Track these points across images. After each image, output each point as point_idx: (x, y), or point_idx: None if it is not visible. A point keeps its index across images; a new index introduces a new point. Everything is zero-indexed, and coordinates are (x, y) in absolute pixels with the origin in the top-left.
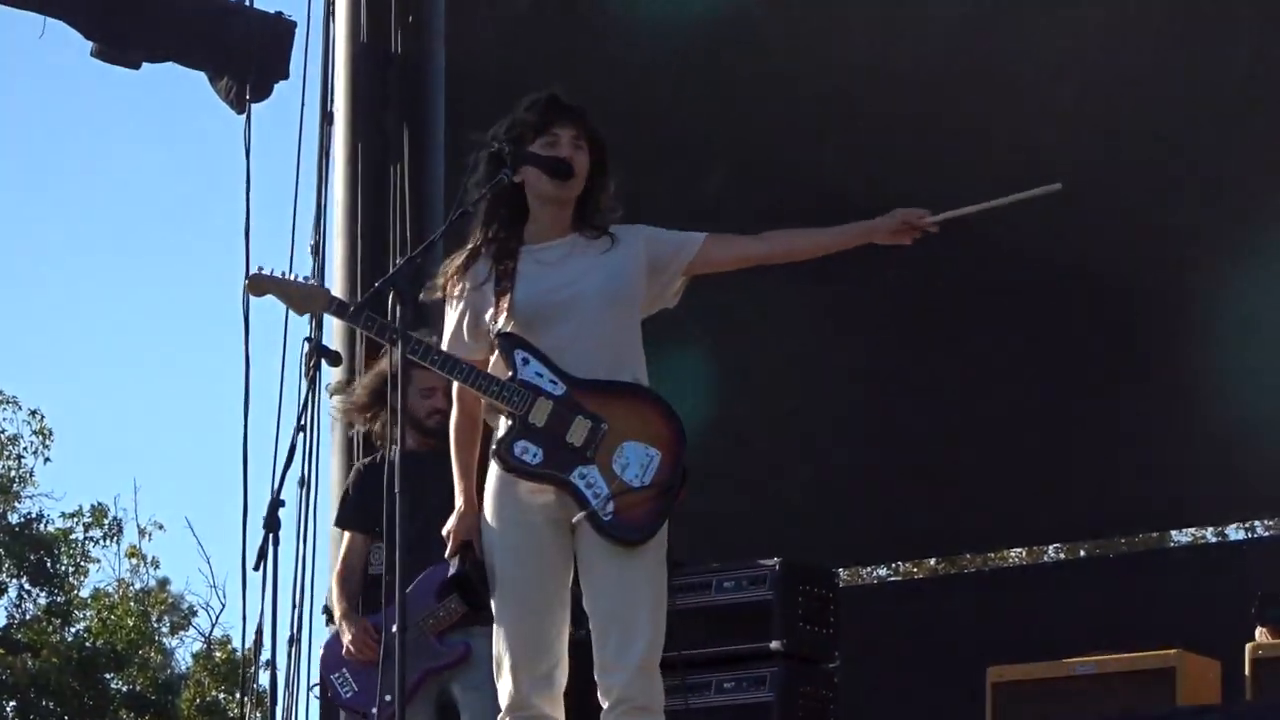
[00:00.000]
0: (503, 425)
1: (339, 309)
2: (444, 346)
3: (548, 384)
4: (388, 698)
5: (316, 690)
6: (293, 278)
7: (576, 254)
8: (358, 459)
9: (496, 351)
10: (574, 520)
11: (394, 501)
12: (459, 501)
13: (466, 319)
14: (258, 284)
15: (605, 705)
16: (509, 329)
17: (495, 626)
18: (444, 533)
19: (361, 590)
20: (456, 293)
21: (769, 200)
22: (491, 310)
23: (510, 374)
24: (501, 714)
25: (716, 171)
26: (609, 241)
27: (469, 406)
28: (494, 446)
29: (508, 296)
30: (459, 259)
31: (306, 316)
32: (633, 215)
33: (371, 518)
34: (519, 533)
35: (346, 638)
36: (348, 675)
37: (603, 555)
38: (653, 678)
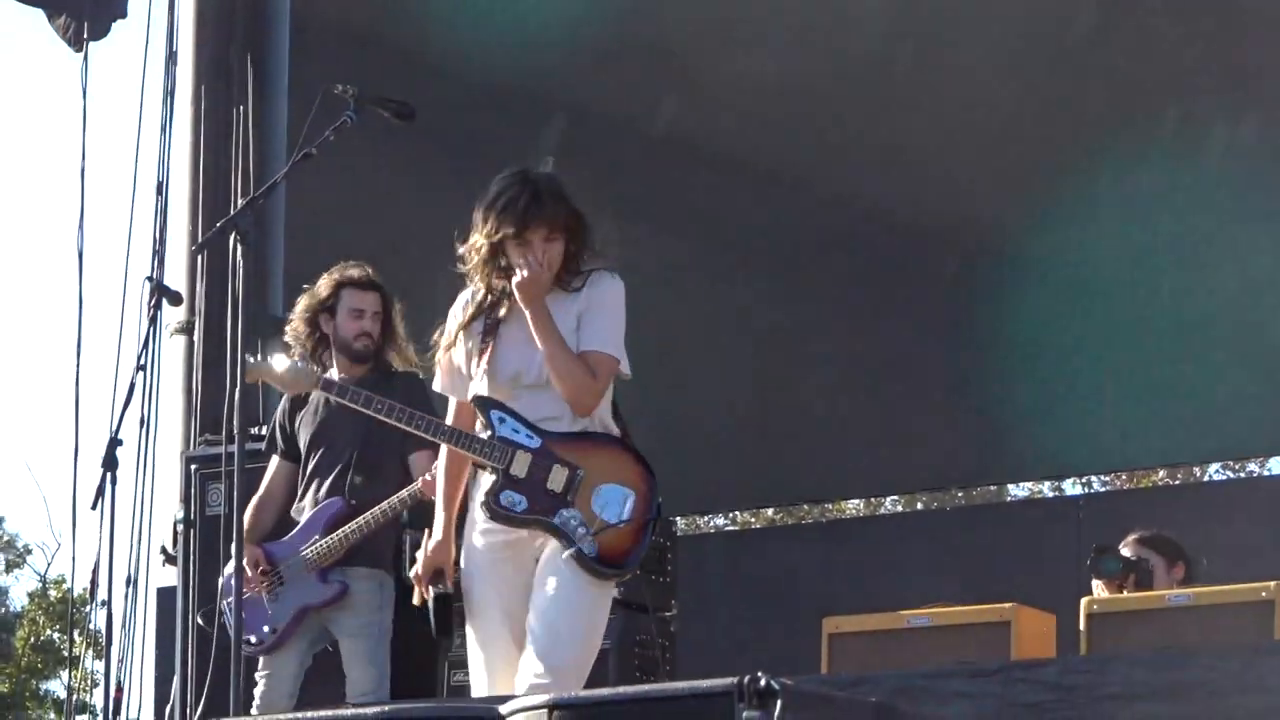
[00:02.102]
0: (487, 480)
1: (326, 385)
2: (444, 384)
3: (524, 438)
4: (251, 638)
5: (212, 616)
6: (285, 364)
7: (553, 315)
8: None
9: (475, 411)
10: (563, 556)
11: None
12: (437, 531)
13: (460, 365)
14: (252, 373)
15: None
16: (484, 390)
17: (471, 645)
18: (417, 557)
19: (279, 517)
20: (453, 353)
21: (604, 150)
22: (475, 363)
23: (490, 433)
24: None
25: (556, 121)
26: (578, 295)
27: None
28: (482, 499)
29: (486, 357)
30: (457, 323)
31: (150, 255)
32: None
33: (293, 445)
34: (497, 567)
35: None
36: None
37: (565, 573)
38: (570, 651)
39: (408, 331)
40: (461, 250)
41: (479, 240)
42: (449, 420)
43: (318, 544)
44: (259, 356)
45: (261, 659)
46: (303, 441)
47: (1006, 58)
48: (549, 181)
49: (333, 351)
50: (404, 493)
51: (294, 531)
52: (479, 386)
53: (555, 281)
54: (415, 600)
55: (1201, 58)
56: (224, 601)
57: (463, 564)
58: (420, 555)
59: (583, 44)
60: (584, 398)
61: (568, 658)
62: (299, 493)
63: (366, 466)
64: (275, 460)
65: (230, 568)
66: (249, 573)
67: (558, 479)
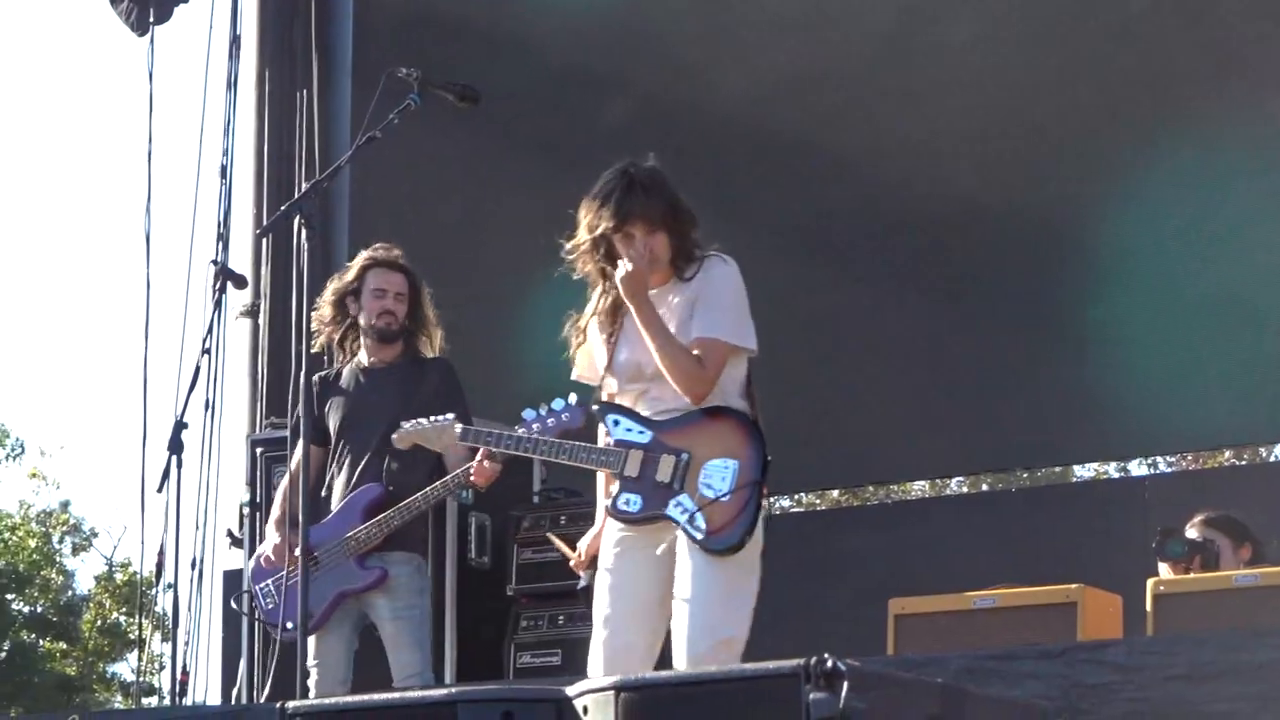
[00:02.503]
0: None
1: (464, 434)
2: (581, 374)
3: (636, 436)
4: (288, 624)
5: (243, 600)
6: (428, 422)
7: (668, 300)
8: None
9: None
10: (676, 548)
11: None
12: (597, 523)
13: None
14: (403, 438)
15: None
16: (614, 386)
17: (595, 631)
18: (579, 545)
19: (309, 499)
20: (585, 340)
21: (665, 132)
22: (602, 362)
23: (609, 439)
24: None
25: (620, 104)
26: (689, 283)
27: None
28: (607, 504)
29: (610, 353)
30: (585, 314)
31: (215, 238)
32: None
33: (324, 430)
34: (625, 560)
35: (268, 546)
36: (271, 588)
37: (695, 560)
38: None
39: (442, 318)
40: (566, 246)
41: (581, 235)
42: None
43: (358, 530)
44: (410, 424)
45: (311, 648)
46: (333, 426)
47: (1068, 38)
48: (649, 174)
49: (360, 336)
50: (451, 478)
51: (329, 516)
52: (608, 384)
53: (671, 271)
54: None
55: (1262, 36)
56: (257, 585)
57: (600, 553)
58: (581, 543)
59: (646, 25)
60: (695, 387)
61: (705, 647)
62: (329, 477)
63: (402, 453)
64: (300, 447)
65: (261, 549)
66: (283, 557)
67: (665, 469)
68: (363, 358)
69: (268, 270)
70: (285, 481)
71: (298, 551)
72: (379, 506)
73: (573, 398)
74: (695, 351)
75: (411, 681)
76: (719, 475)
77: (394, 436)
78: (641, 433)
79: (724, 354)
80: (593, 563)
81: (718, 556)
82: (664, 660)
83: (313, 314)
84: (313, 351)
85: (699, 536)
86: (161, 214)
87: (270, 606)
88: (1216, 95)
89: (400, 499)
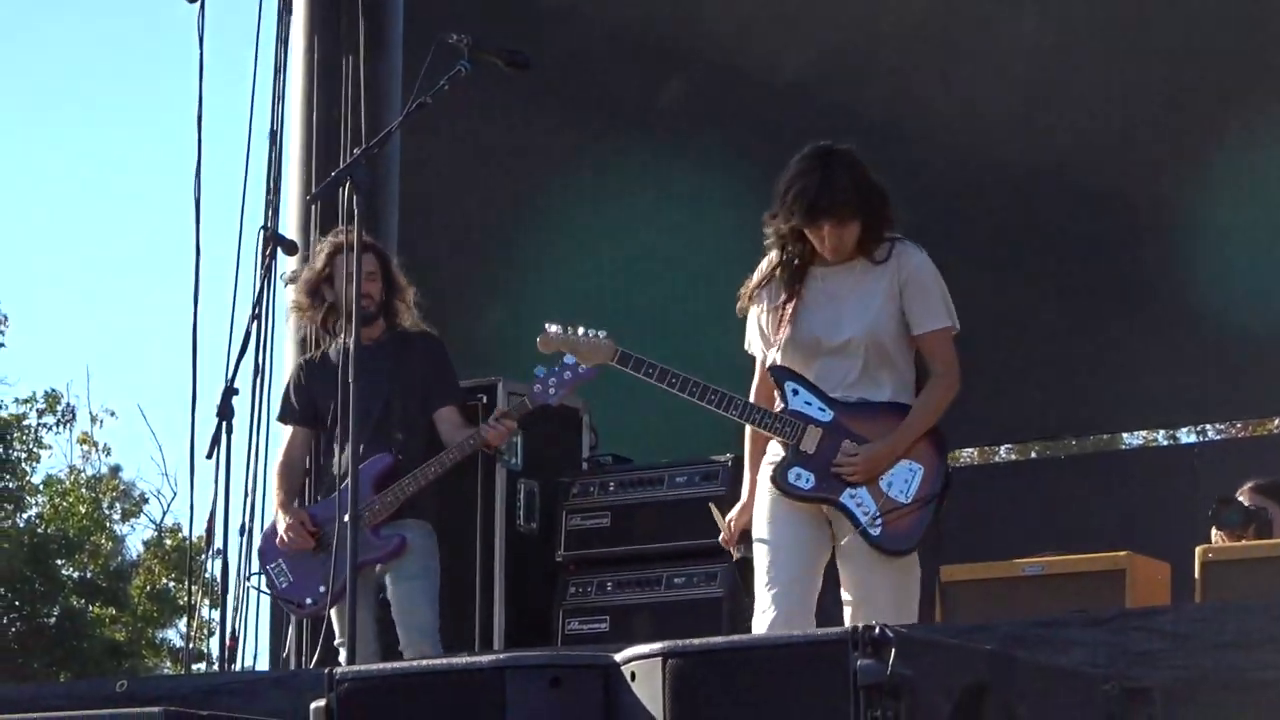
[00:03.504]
0: (776, 450)
1: (623, 359)
2: (751, 341)
3: (816, 411)
4: (306, 600)
5: (254, 581)
6: (581, 333)
7: (858, 279)
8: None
9: (773, 383)
10: (843, 541)
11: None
12: (744, 495)
13: (762, 325)
14: (547, 342)
15: None
16: (780, 360)
17: (759, 597)
18: (726, 520)
19: (302, 481)
20: (756, 311)
21: (724, 100)
22: (774, 328)
23: (782, 405)
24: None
25: (673, 72)
26: (885, 267)
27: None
28: (770, 473)
29: (787, 320)
30: (754, 280)
31: (263, 204)
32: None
33: (311, 412)
34: (784, 529)
35: (282, 527)
36: (284, 566)
37: (864, 558)
38: None
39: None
40: (767, 226)
41: (780, 225)
42: (755, 379)
43: (372, 501)
44: (559, 327)
45: (336, 624)
46: (325, 405)
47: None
48: (843, 166)
49: (341, 319)
50: (464, 440)
51: (338, 491)
52: (777, 353)
53: (857, 252)
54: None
55: None
56: (268, 565)
57: (755, 517)
58: (728, 519)
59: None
60: (955, 390)
61: None
62: (325, 453)
63: (404, 424)
64: (292, 428)
65: (269, 528)
66: (300, 536)
67: None
68: (348, 340)
69: (317, 236)
70: (279, 463)
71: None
72: (390, 476)
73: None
74: (927, 347)
75: (425, 640)
76: (903, 478)
77: (539, 339)
78: (822, 410)
79: (951, 340)
80: (743, 538)
81: (888, 556)
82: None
83: (289, 307)
84: (299, 338)
85: (875, 534)
86: (212, 179)
87: (284, 585)
88: None
89: (408, 468)
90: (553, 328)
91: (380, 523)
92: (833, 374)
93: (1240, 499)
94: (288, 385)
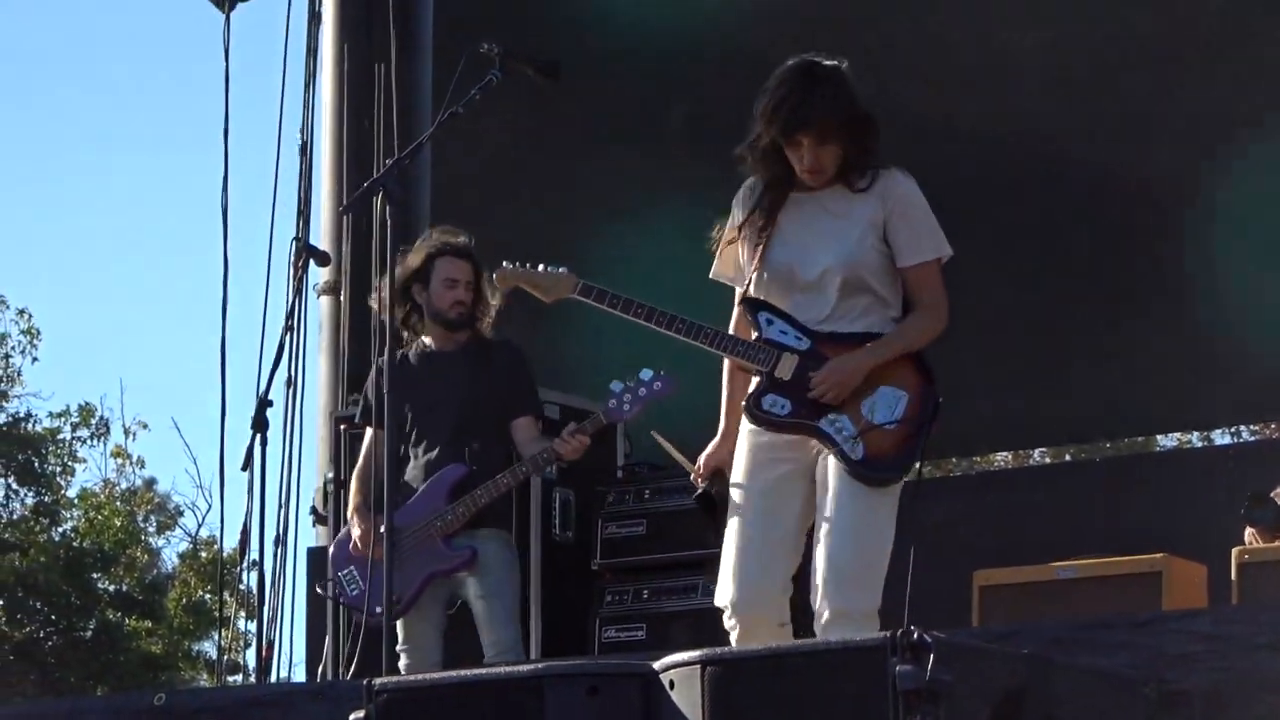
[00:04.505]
0: (752, 383)
1: (585, 290)
2: (722, 271)
3: (792, 340)
4: (377, 608)
5: (328, 586)
6: (540, 268)
7: (834, 207)
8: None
9: (744, 314)
10: (821, 473)
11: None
12: (720, 432)
13: (741, 258)
14: (504, 278)
15: (815, 615)
16: (755, 292)
17: (726, 544)
18: (700, 457)
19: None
20: (737, 238)
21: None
22: (749, 260)
23: (756, 334)
24: (725, 614)
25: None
26: (867, 195)
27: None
28: (744, 402)
29: (759, 253)
30: (742, 212)
31: (295, 215)
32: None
33: (381, 413)
34: (762, 471)
35: (355, 532)
36: (355, 573)
37: (843, 484)
38: (861, 591)
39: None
40: (739, 150)
41: (758, 138)
42: (734, 315)
43: (445, 511)
44: (515, 264)
45: (401, 631)
46: (406, 410)
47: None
48: (827, 81)
49: (425, 321)
50: (539, 453)
51: (413, 498)
52: (751, 287)
53: (839, 180)
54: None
55: None
56: (339, 572)
57: (735, 465)
58: (703, 456)
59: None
60: (942, 329)
61: (850, 572)
62: (401, 459)
63: (480, 433)
64: (370, 431)
65: (343, 534)
66: (368, 543)
67: None
68: (428, 341)
69: (349, 247)
70: (359, 467)
71: (384, 532)
72: (464, 486)
73: (660, 371)
74: (913, 280)
75: (504, 658)
76: (886, 403)
77: (494, 275)
78: (799, 339)
79: (939, 271)
80: (713, 477)
81: (870, 486)
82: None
83: (374, 296)
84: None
85: (856, 457)
86: (242, 191)
87: (355, 592)
88: None
89: (483, 478)
90: (508, 264)
91: (453, 533)
92: (809, 308)
93: (1275, 497)
94: (365, 386)
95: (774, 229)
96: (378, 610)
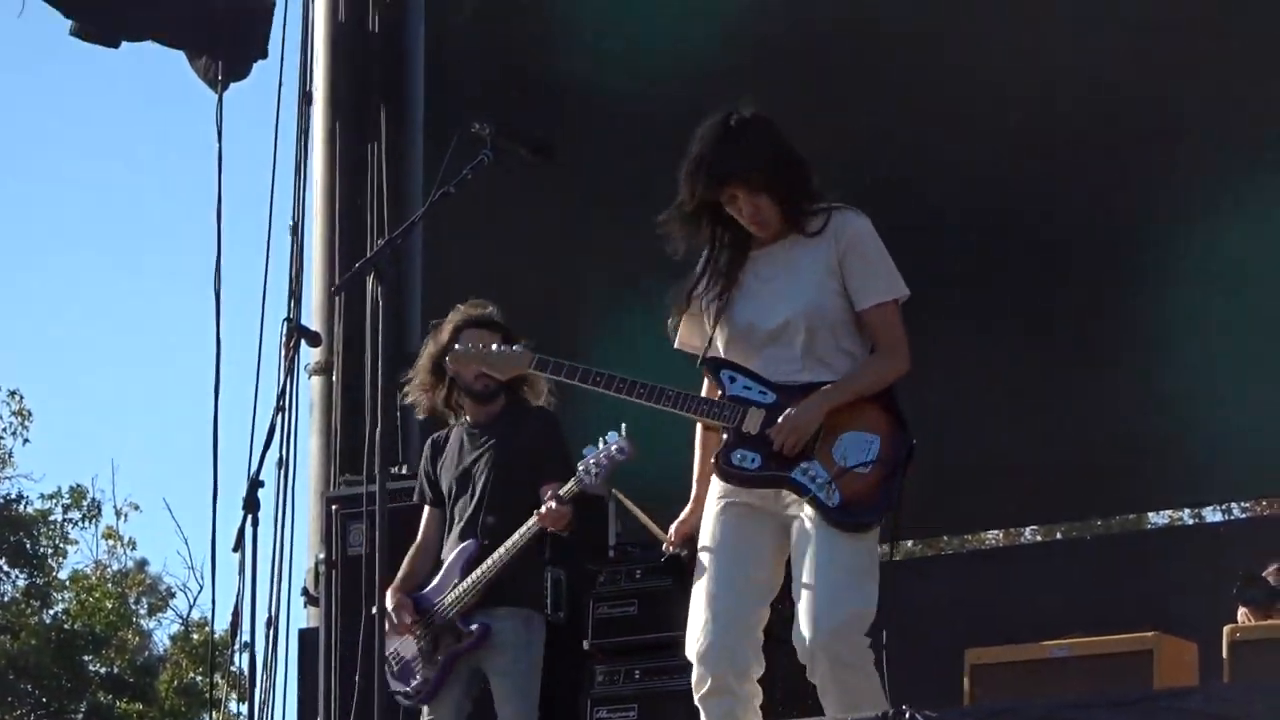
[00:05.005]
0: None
1: (540, 364)
2: (684, 341)
3: (757, 395)
4: (405, 689)
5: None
6: (494, 348)
7: (792, 256)
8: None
9: (707, 375)
10: (798, 524)
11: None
12: (692, 497)
13: (705, 324)
14: (457, 360)
15: (808, 667)
16: (721, 348)
17: (694, 602)
18: (672, 526)
19: (435, 562)
20: (688, 307)
21: None
22: (711, 322)
23: (720, 393)
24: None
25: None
26: (818, 239)
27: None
28: (714, 459)
29: (721, 313)
30: (687, 284)
31: (285, 296)
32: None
33: (438, 492)
34: (732, 526)
35: (388, 608)
36: (397, 651)
37: (821, 534)
38: (850, 639)
39: None
40: (660, 218)
41: (684, 203)
42: (705, 383)
43: (456, 588)
44: (467, 346)
45: (424, 710)
46: (444, 486)
47: (1153, 56)
48: (743, 131)
49: (462, 395)
50: (524, 527)
51: (437, 579)
52: (716, 347)
53: (791, 228)
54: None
55: None
56: (389, 651)
57: (702, 528)
58: (674, 524)
59: (727, 80)
60: (902, 371)
61: (840, 618)
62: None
63: (497, 505)
64: (426, 509)
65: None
66: (401, 621)
67: None
68: (468, 416)
69: (340, 327)
70: (412, 548)
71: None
72: (475, 562)
73: (623, 428)
74: (870, 323)
75: None
76: (858, 447)
77: (449, 358)
78: (764, 393)
79: (897, 312)
80: (685, 543)
81: (847, 533)
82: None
83: (411, 382)
84: (417, 418)
85: (832, 504)
86: (233, 272)
87: (395, 669)
88: None
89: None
90: (459, 347)
91: (468, 610)
92: (777, 362)
93: (1267, 577)
94: (420, 466)
95: (735, 289)
96: (408, 690)
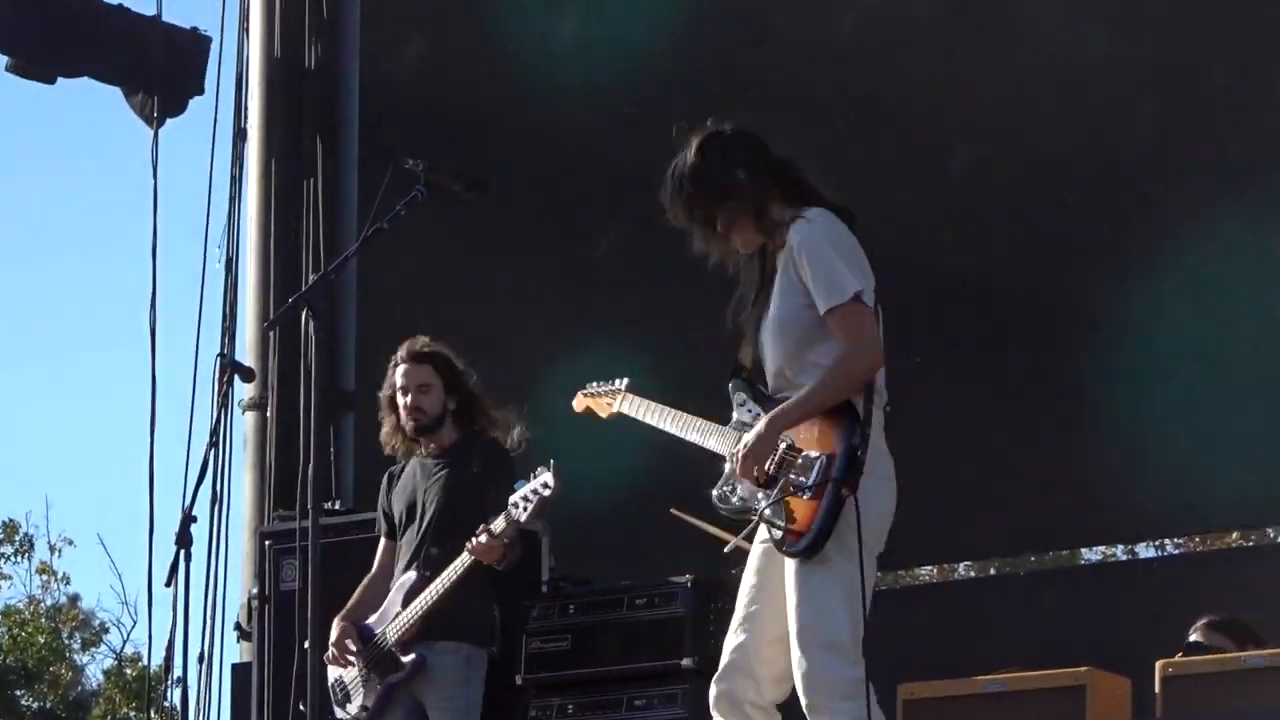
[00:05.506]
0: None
1: (630, 402)
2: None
3: (749, 416)
4: (344, 716)
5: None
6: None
7: (775, 271)
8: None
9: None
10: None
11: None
12: None
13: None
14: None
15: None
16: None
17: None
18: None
19: (384, 593)
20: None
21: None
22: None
23: (734, 417)
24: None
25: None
26: (785, 250)
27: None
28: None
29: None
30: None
31: (219, 331)
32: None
33: (392, 524)
34: (754, 561)
35: (333, 636)
36: (342, 678)
37: (789, 565)
38: (827, 680)
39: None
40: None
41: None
42: None
43: (397, 619)
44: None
45: None
46: (396, 517)
47: (1087, 121)
48: (678, 177)
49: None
50: (458, 560)
51: (382, 608)
52: (759, 361)
53: (771, 246)
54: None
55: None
56: (330, 683)
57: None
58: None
59: (659, 110)
60: (864, 372)
61: (815, 647)
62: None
63: (442, 536)
64: (381, 540)
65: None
66: (344, 649)
67: (773, 457)
68: (421, 448)
69: (275, 362)
70: (366, 578)
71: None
72: (415, 593)
73: (550, 464)
74: (830, 329)
75: None
76: (810, 468)
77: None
78: (754, 413)
79: (855, 313)
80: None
81: (806, 562)
82: None
83: (382, 430)
84: (386, 454)
85: (776, 537)
86: (169, 307)
87: (336, 698)
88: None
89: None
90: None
91: (407, 641)
92: (773, 376)
93: (1192, 635)
94: (379, 498)
95: (764, 301)
96: (344, 718)
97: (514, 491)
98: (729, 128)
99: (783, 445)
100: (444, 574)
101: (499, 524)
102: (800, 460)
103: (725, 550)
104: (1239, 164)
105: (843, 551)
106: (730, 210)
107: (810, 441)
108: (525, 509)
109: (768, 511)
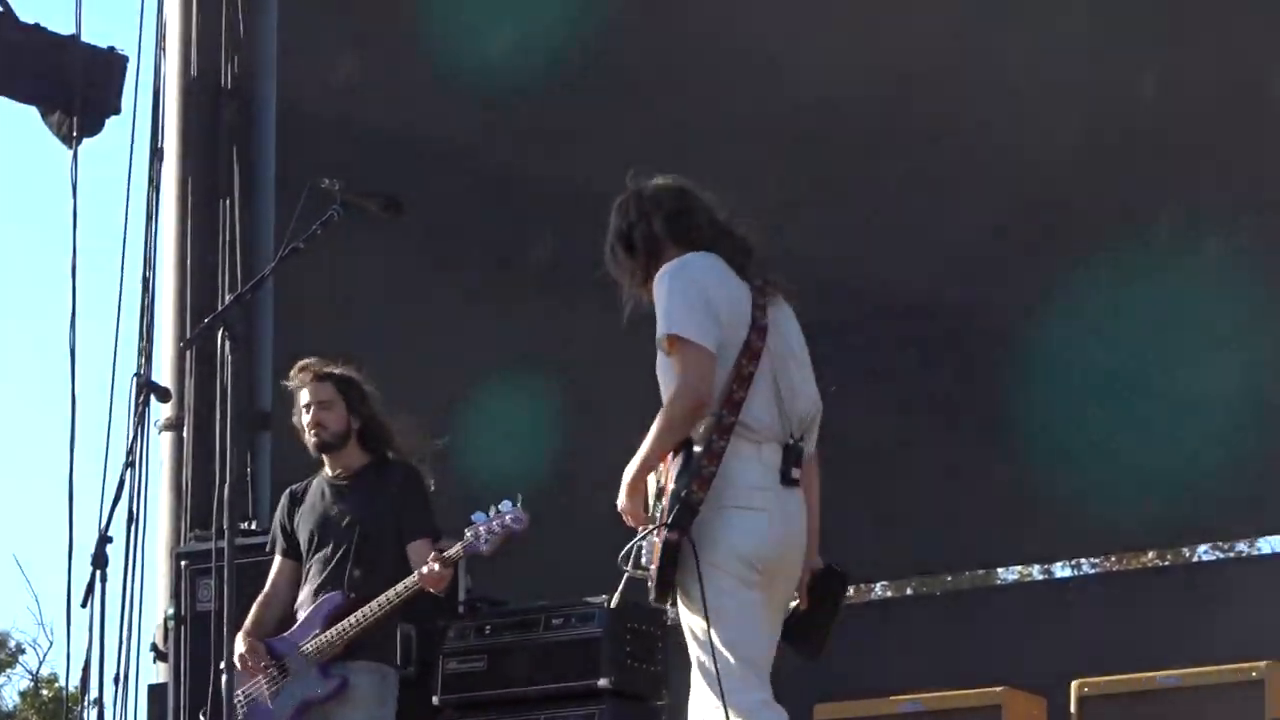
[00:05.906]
0: None
1: None
2: None
3: None
4: None
5: (206, 715)
6: None
7: None
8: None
9: None
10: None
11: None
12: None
13: None
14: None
15: None
16: None
17: None
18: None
19: (283, 614)
20: None
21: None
22: None
23: None
24: None
25: (552, 220)
26: None
27: None
28: None
29: None
30: None
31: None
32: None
33: (294, 543)
34: None
35: (238, 651)
36: (241, 697)
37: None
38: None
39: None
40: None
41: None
42: None
43: (318, 638)
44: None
45: None
46: (303, 538)
47: (1016, 151)
48: (609, 243)
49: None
50: (402, 585)
51: (295, 626)
52: None
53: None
54: None
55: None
56: (235, 698)
57: None
58: None
59: (577, 127)
60: (683, 412)
61: (699, 682)
62: (300, 588)
63: (364, 559)
64: (278, 559)
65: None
66: (253, 664)
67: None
68: (327, 469)
69: (191, 383)
70: (260, 597)
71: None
72: (340, 614)
73: (518, 498)
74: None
75: None
76: (671, 509)
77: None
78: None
79: (677, 351)
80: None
81: (664, 605)
82: None
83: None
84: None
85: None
86: (88, 327)
87: (240, 716)
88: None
89: (361, 606)
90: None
91: (328, 661)
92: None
93: None
94: (275, 516)
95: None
96: None
97: (471, 523)
98: (641, 185)
99: (654, 489)
100: (381, 598)
101: (455, 552)
102: (664, 502)
103: (610, 605)
104: (1162, 183)
105: (686, 596)
106: (638, 263)
107: (668, 480)
108: (488, 540)
109: (642, 553)
